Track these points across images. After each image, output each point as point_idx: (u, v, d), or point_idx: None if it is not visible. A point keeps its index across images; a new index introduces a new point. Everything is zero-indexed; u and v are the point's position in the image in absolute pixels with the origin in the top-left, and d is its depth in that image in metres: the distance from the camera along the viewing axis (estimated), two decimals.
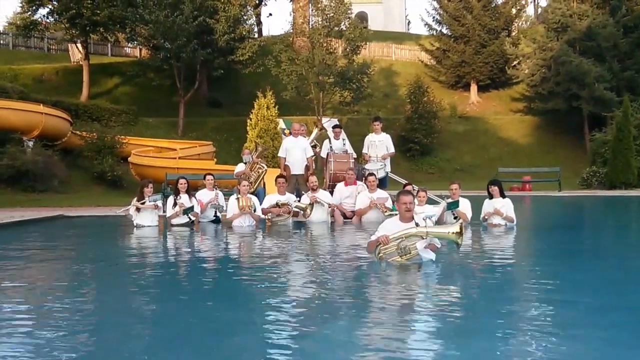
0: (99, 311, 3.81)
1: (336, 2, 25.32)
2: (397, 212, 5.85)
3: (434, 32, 34.46)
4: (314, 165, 11.00)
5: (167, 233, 8.31)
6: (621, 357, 2.72)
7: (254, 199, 8.95)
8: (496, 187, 8.34)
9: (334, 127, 11.45)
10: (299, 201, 9.13)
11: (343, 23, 25.78)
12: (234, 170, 11.65)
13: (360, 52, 27.02)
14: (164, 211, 8.94)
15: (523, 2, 34.22)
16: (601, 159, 19.71)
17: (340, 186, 9.59)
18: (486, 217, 8.25)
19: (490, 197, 8.37)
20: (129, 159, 18.38)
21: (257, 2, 30.08)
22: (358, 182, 9.55)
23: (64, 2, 23.73)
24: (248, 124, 20.82)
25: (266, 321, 3.36)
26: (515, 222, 8.14)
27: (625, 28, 27.49)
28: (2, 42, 32.87)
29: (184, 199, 8.84)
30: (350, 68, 25.57)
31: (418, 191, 8.35)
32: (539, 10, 39.25)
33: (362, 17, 41.74)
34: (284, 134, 17.08)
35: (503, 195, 8.34)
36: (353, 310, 3.66)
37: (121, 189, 18.12)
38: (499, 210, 8.11)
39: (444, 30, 34.02)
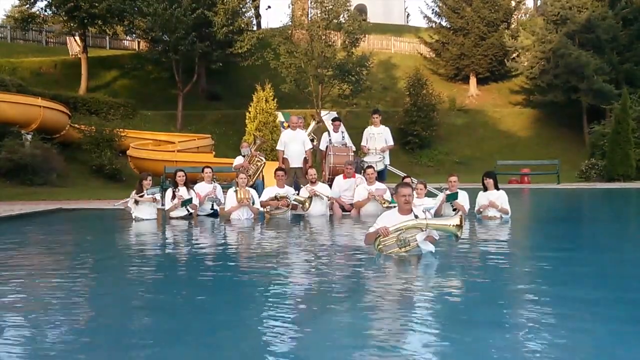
0: (96, 305, 3.82)
1: None
2: (395, 205, 5.87)
3: (433, 24, 34.44)
4: (312, 158, 10.99)
5: (166, 226, 8.32)
6: (622, 349, 2.72)
7: (252, 191, 8.97)
8: (491, 180, 8.33)
9: (333, 120, 11.42)
10: (297, 194, 9.13)
11: (342, 15, 25.75)
12: (232, 163, 11.66)
13: (359, 44, 26.99)
14: (163, 204, 8.95)
15: None
16: (600, 152, 19.75)
17: (339, 179, 9.58)
18: (481, 209, 8.24)
19: (485, 189, 8.37)
20: (127, 152, 18.40)
21: None
22: (357, 175, 9.55)
23: None
24: (247, 117, 20.83)
25: (264, 314, 3.37)
26: (509, 215, 8.12)
27: (624, 20, 27.50)
28: (0, 35, 32.75)
29: (182, 191, 8.87)
30: (349, 61, 25.54)
31: (417, 184, 8.35)
32: (539, 2, 39.10)
33: (361, 9, 41.57)
34: (283, 127, 17.08)
35: (497, 188, 8.34)
36: (352, 302, 3.67)
37: (120, 182, 18.13)
38: (494, 202, 8.08)
39: (443, 23, 34.02)
